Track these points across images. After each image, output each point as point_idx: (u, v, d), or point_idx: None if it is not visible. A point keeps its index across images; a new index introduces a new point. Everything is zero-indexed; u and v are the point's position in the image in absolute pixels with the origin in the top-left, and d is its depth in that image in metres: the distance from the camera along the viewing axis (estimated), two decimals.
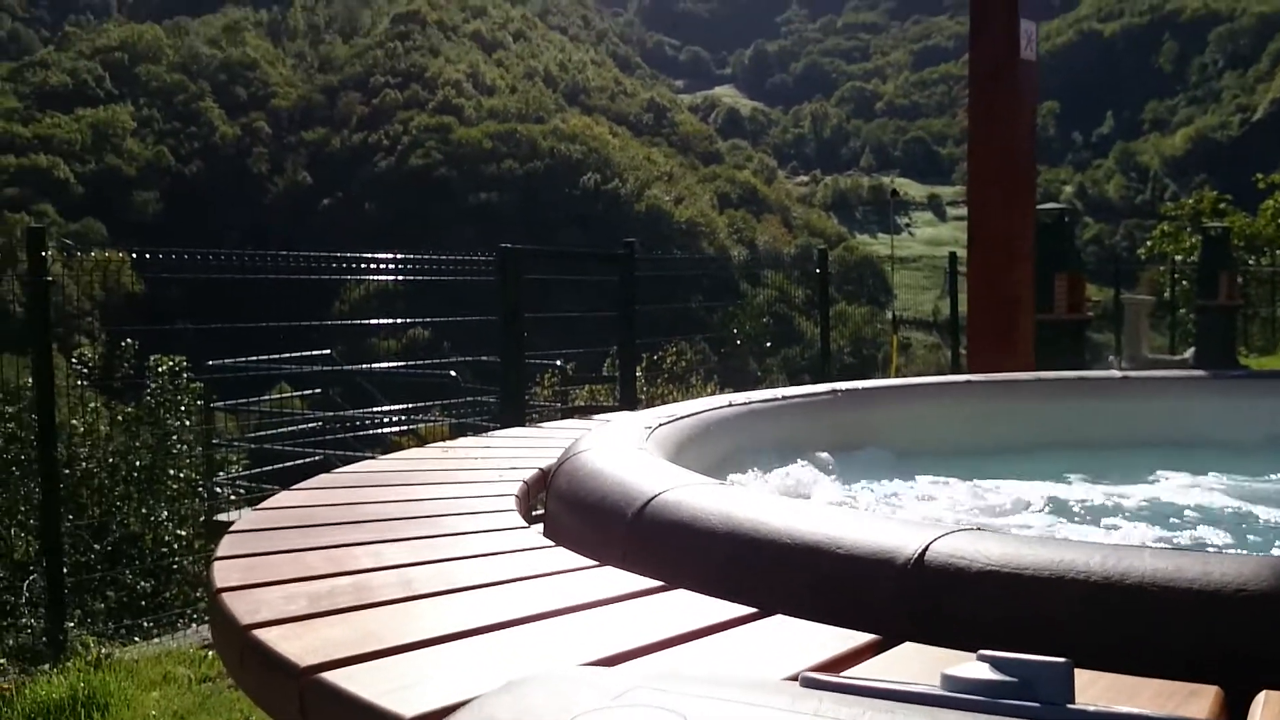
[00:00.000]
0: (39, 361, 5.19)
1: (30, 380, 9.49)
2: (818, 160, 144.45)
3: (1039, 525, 2.43)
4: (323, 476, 2.23)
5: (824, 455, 2.72)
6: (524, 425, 7.99)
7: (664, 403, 13.26)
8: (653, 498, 1.59)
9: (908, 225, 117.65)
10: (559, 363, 11.30)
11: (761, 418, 2.78)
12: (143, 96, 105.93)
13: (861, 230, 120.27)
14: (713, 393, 13.77)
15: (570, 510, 1.82)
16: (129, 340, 9.98)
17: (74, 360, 9.50)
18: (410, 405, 10.22)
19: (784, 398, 2.94)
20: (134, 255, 8.36)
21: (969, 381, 3.35)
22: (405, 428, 10.40)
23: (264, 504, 1.94)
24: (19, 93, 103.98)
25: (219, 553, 1.54)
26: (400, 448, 10.95)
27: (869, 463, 2.78)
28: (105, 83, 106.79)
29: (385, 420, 9.69)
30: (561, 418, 11.10)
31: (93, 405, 9.40)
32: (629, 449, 1.96)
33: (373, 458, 8.70)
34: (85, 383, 9.45)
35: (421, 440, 11.23)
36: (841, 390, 3.07)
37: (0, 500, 8.04)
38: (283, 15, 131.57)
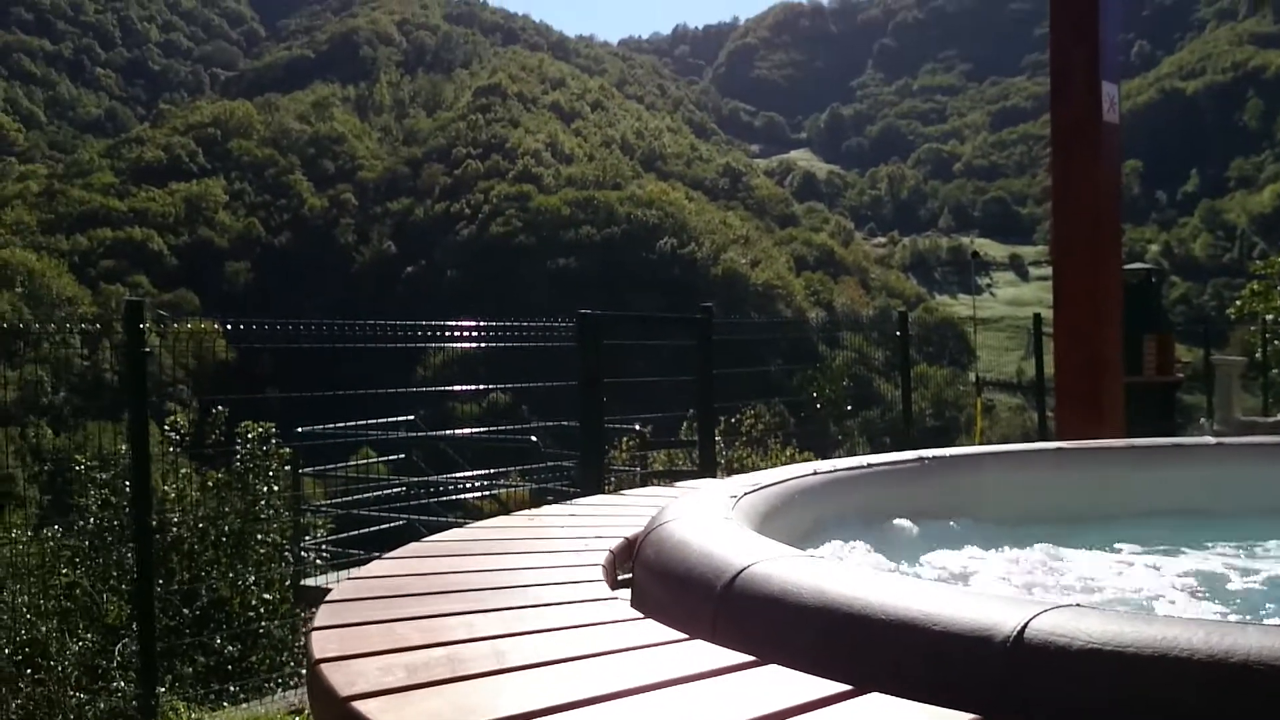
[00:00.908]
0: (135, 430, 5.33)
1: (124, 447, 9.76)
2: (895, 221, 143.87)
3: (1136, 599, 2.36)
4: (413, 545, 2.26)
5: (912, 525, 2.68)
6: (604, 490, 7.99)
7: (742, 467, 13.20)
8: (741, 570, 1.58)
9: (989, 285, 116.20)
10: (637, 427, 11.31)
11: (848, 486, 2.76)
12: (234, 170, 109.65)
13: (941, 291, 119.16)
14: (791, 456, 13.65)
15: (658, 581, 1.82)
16: (219, 407, 10.20)
17: (166, 427, 9.73)
18: (491, 470, 10.29)
19: (870, 465, 2.91)
20: (226, 325, 8.57)
21: (1059, 449, 3.29)
22: (487, 493, 10.46)
23: (357, 573, 1.97)
24: (116, 168, 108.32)
25: (316, 623, 1.56)
26: (482, 512, 11.02)
27: (959, 532, 2.72)
28: (198, 158, 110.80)
29: (467, 485, 9.77)
30: (641, 482, 11.10)
31: (184, 471, 9.61)
32: (715, 519, 1.96)
33: (458, 524, 8.74)
34: (177, 449, 9.67)
35: (502, 504, 11.29)
36: (929, 457, 3.03)
37: (93, 565, 8.21)
38: (369, 91, 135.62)
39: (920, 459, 3.00)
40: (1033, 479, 3.16)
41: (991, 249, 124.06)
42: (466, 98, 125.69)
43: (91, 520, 8.45)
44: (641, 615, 1.59)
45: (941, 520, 2.79)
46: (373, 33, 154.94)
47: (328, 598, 1.73)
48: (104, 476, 8.95)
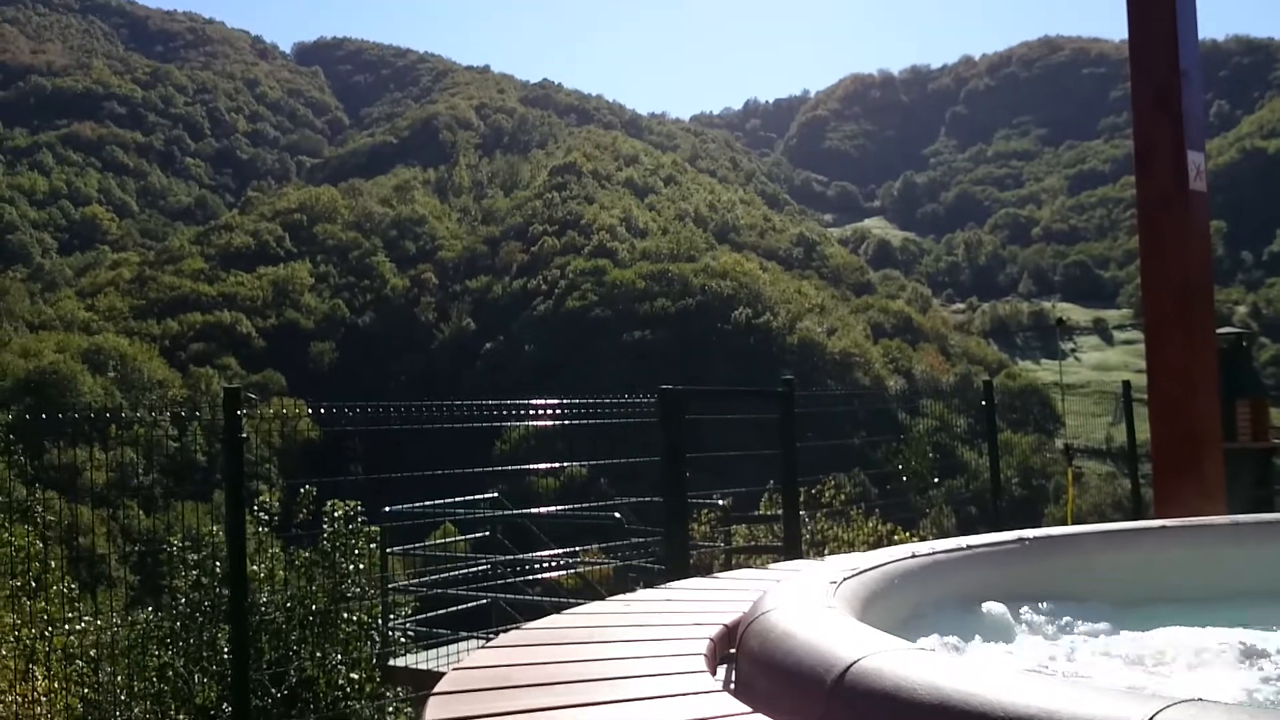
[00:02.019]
0: (232, 514, 5.45)
1: (215, 528, 9.95)
2: (973, 287, 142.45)
3: (1248, 687, 2.27)
4: (514, 633, 2.27)
5: (1018, 609, 2.62)
6: (688, 566, 7.94)
7: (825, 540, 13.02)
8: (851, 664, 1.56)
9: (1073, 350, 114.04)
10: (720, 502, 11.23)
11: (947, 569, 2.71)
12: (320, 254, 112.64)
13: (1023, 356, 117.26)
14: (875, 528, 13.44)
15: (763, 673, 1.80)
16: (307, 486, 10.33)
17: (255, 507, 9.89)
18: (576, 548, 10.28)
19: (969, 547, 2.86)
20: (311, 411, 8.73)
21: (1163, 527, 3.20)
22: (570, 570, 10.44)
23: (462, 664, 1.98)
24: (205, 254, 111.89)
25: (428, 716, 1.58)
26: (566, 589, 10.99)
27: (1064, 615, 2.65)
28: (285, 242, 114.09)
29: (551, 563, 9.76)
30: (726, 558, 11.00)
31: (272, 550, 9.74)
32: (817, 607, 1.94)
33: (541, 602, 8.70)
34: (266, 529, 9.80)
35: (587, 582, 11.25)
36: (1029, 538, 2.97)
37: (185, 646, 8.30)
38: (449, 173, 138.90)
39: (1020, 539, 2.95)
40: (1138, 559, 3.07)
41: (1074, 313, 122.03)
42: (542, 177, 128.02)
43: (183, 601, 8.56)
44: (749, 709, 1.57)
45: (1046, 602, 2.72)
46: (452, 117, 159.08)
47: (436, 688, 1.75)
48: (195, 558, 9.08)
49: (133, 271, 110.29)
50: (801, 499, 11.84)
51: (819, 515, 13.08)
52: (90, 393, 76.84)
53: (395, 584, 9.65)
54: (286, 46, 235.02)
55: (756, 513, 13.58)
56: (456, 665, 1.96)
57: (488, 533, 10.83)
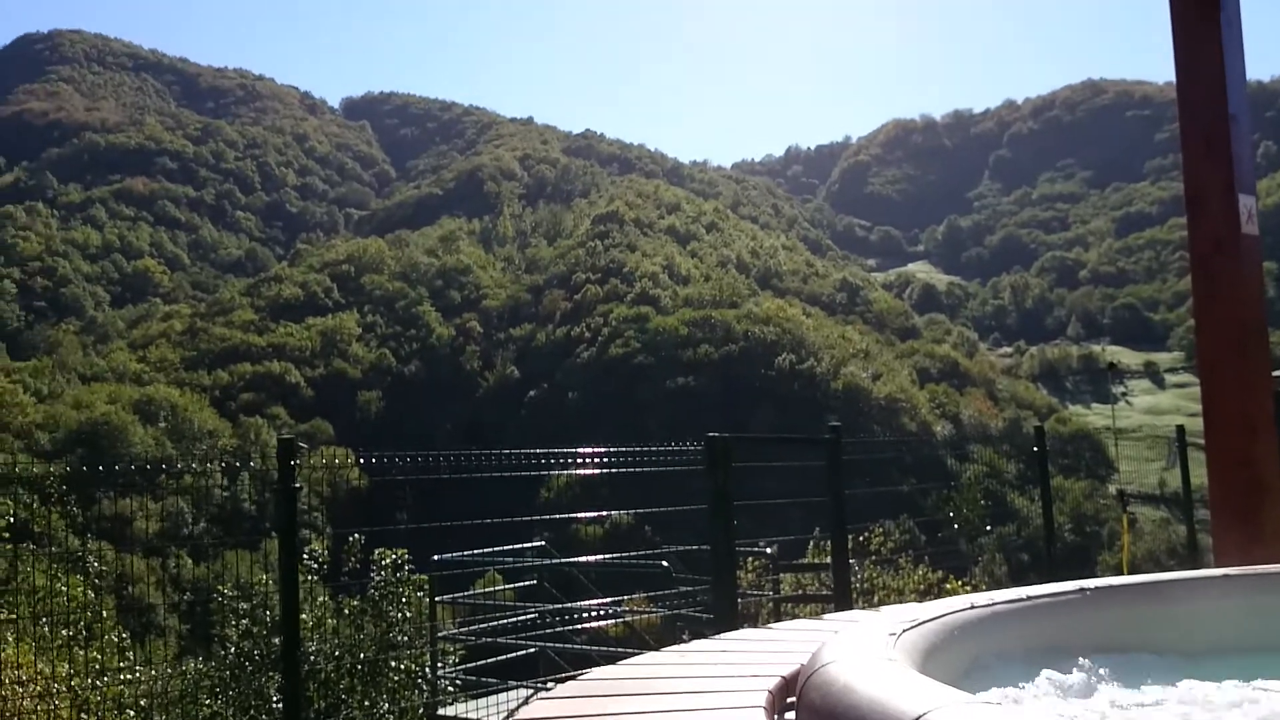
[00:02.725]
0: (285, 563, 5.49)
1: (264, 577, 10.02)
2: (1021, 331, 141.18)
3: None
4: (571, 684, 2.26)
5: (1079, 661, 2.58)
6: (736, 615, 7.88)
7: (873, 588, 12.87)
8: (917, 719, 1.55)
9: (1124, 394, 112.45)
10: (768, 550, 11.16)
11: (1007, 620, 2.67)
12: (367, 304, 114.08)
13: (1073, 400, 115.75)
14: (924, 575, 13.28)
15: None
16: (356, 535, 10.38)
17: (304, 556, 9.94)
18: (622, 597, 10.24)
19: (1029, 597, 2.82)
20: (361, 460, 8.80)
21: (1226, 576, 3.14)
22: (619, 619, 10.39)
23: (521, 715, 1.98)
24: (255, 306, 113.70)
25: None
26: (613, 638, 10.93)
27: (1127, 669, 2.60)
28: (333, 293, 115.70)
29: (599, 612, 9.72)
30: (774, 606, 10.90)
31: (321, 599, 9.78)
32: (878, 660, 1.92)
33: (588, 651, 8.64)
34: (315, 577, 9.83)
35: (634, 631, 11.19)
36: (1090, 588, 2.92)
37: (234, 695, 8.33)
38: (493, 223, 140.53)
39: (1081, 590, 2.90)
40: (1203, 609, 3.01)
41: (1124, 356, 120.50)
42: (585, 225, 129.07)
43: (233, 650, 8.60)
44: None
45: (1108, 654, 2.67)
46: (496, 169, 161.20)
47: None
48: (245, 607, 9.12)
49: (184, 323, 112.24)
50: (850, 546, 11.73)
51: (867, 563, 12.95)
52: (141, 443, 77.99)
53: (444, 633, 9.65)
54: (335, 101, 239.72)
55: (803, 560, 13.47)
56: (515, 716, 1.96)
57: (534, 581, 10.81)
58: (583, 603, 9.53)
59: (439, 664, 9.52)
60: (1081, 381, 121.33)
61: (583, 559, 10.95)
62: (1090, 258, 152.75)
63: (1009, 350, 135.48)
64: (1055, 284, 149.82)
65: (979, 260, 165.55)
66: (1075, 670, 2.49)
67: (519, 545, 10.89)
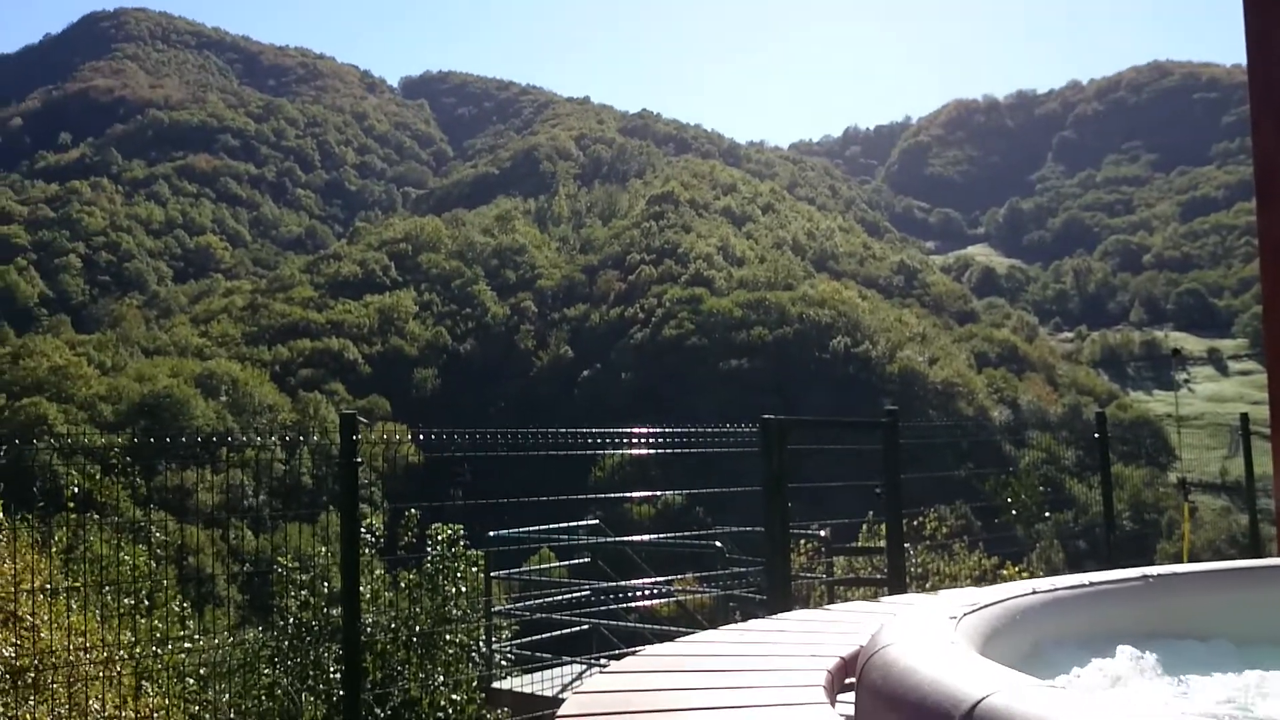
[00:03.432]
0: (347, 536, 5.58)
1: (322, 549, 10.17)
2: (1082, 316, 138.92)
3: None
4: (630, 660, 2.29)
5: (1141, 647, 2.55)
6: (790, 597, 7.87)
7: (927, 573, 12.79)
8: (979, 701, 1.54)
9: (1187, 381, 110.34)
10: (822, 533, 11.13)
11: (1069, 606, 2.65)
12: (424, 282, 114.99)
13: (1135, 387, 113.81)
14: (979, 561, 13.17)
15: (886, 708, 1.79)
16: (412, 510, 10.49)
17: (362, 529, 10.06)
18: (675, 576, 10.28)
19: (1091, 584, 2.80)
20: (419, 436, 8.89)
21: None
22: (671, 598, 10.44)
23: (583, 688, 2.01)
24: (314, 283, 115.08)
25: None
26: (664, 617, 10.98)
27: (1190, 656, 2.57)
28: (391, 271, 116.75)
29: (652, 591, 9.77)
30: (827, 589, 10.89)
31: (378, 572, 9.91)
32: (940, 642, 1.92)
33: (641, 629, 8.69)
34: (372, 550, 9.96)
35: (684, 610, 11.24)
36: (1153, 575, 2.89)
37: (292, 665, 8.46)
38: (549, 203, 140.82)
39: (1144, 577, 2.87)
40: (1266, 597, 2.97)
41: (1188, 343, 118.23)
42: (640, 206, 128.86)
43: (292, 621, 8.71)
44: None
45: (1170, 641, 2.65)
46: (552, 148, 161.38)
47: (559, 713, 1.77)
48: (304, 578, 9.25)
49: (245, 299, 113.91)
50: (904, 530, 11.65)
51: (921, 548, 12.87)
52: (203, 416, 79.40)
53: (498, 608, 9.75)
54: (394, 80, 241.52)
55: (856, 544, 13.42)
56: (577, 690, 1.99)
57: (587, 559, 10.89)
58: (635, 581, 9.58)
59: (493, 638, 9.61)
60: (1143, 368, 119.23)
61: (636, 538, 11.00)
62: (1154, 242, 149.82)
63: (1070, 335, 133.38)
64: (1118, 268, 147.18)
65: (1041, 243, 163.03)
66: (1135, 655, 2.47)
67: (572, 524, 10.96)
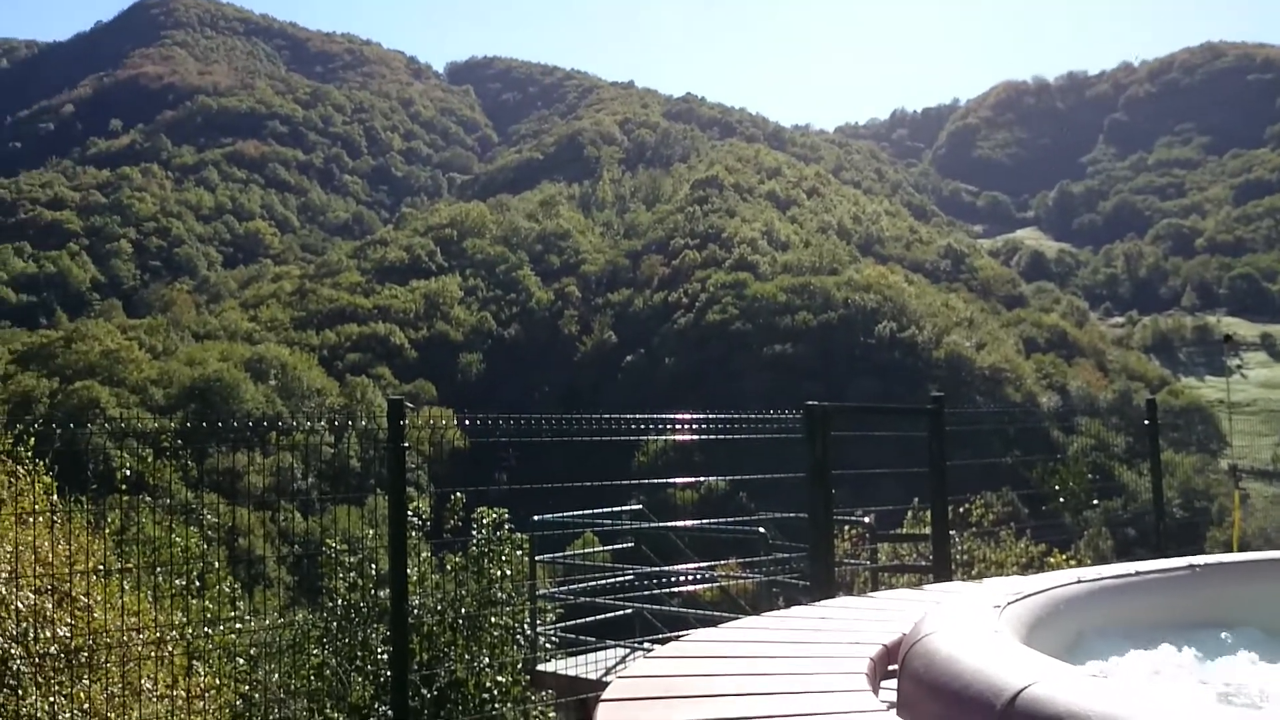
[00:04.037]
0: (395, 520, 5.64)
1: (370, 531, 10.29)
2: (1133, 300, 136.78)
3: None
4: (675, 645, 2.31)
5: (1188, 638, 2.53)
6: (833, 583, 7.86)
7: (973, 560, 12.71)
8: (1021, 690, 1.55)
9: (1239, 367, 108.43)
10: (866, 519, 11.09)
11: (1114, 595, 2.63)
12: (469, 268, 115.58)
13: (1187, 373, 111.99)
14: (1026, 549, 13.07)
15: (929, 695, 1.80)
16: (458, 494, 10.57)
17: (410, 513, 10.14)
18: (719, 562, 10.29)
19: (1137, 573, 2.78)
20: (466, 421, 8.95)
21: None
22: (714, 584, 10.45)
23: (627, 672, 2.03)
24: (361, 268, 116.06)
25: None
26: (706, 602, 11.01)
27: (1236, 646, 2.55)
28: (436, 257, 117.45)
29: (695, 576, 9.80)
30: (871, 577, 10.85)
31: (424, 555, 10.01)
32: (983, 631, 1.92)
33: (683, 613, 8.72)
34: (418, 534, 10.05)
35: (726, 595, 11.25)
36: (1199, 565, 2.87)
37: (340, 645, 8.57)
38: (593, 188, 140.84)
39: (1191, 567, 2.85)
40: None
41: (1241, 328, 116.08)
42: (684, 190, 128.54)
43: (340, 602, 8.82)
44: None
45: (1217, 631, 2.62)
46: (596, 133, 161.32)
47: (605, 696, 1.80)
48: (352, 560, 9.35)
49: (293, 284, 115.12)
50: (949, 517, 11.57)
51: (967, 534, 12.79)
52: (252, 400, 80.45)
53: (544, 591, 9.82)
54: (440, 66, 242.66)
55: (901, 530, 13.36)
56: (622, 674, 2.01)
57: (632, 543, 10.93)
58: (678, 566, 9.60)
59: (537, 622, 9.69)
60: (1195, 353, 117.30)
61: (680, 524, 11.02)
62: (1207, 226, 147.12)
63: (1120, 320, 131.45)
64: (1170, 252, 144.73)
65: (1091, 227, 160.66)
66: (1181, 646, 2.45)
67: (616, 509, 11.00)
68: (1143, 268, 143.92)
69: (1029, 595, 2.34)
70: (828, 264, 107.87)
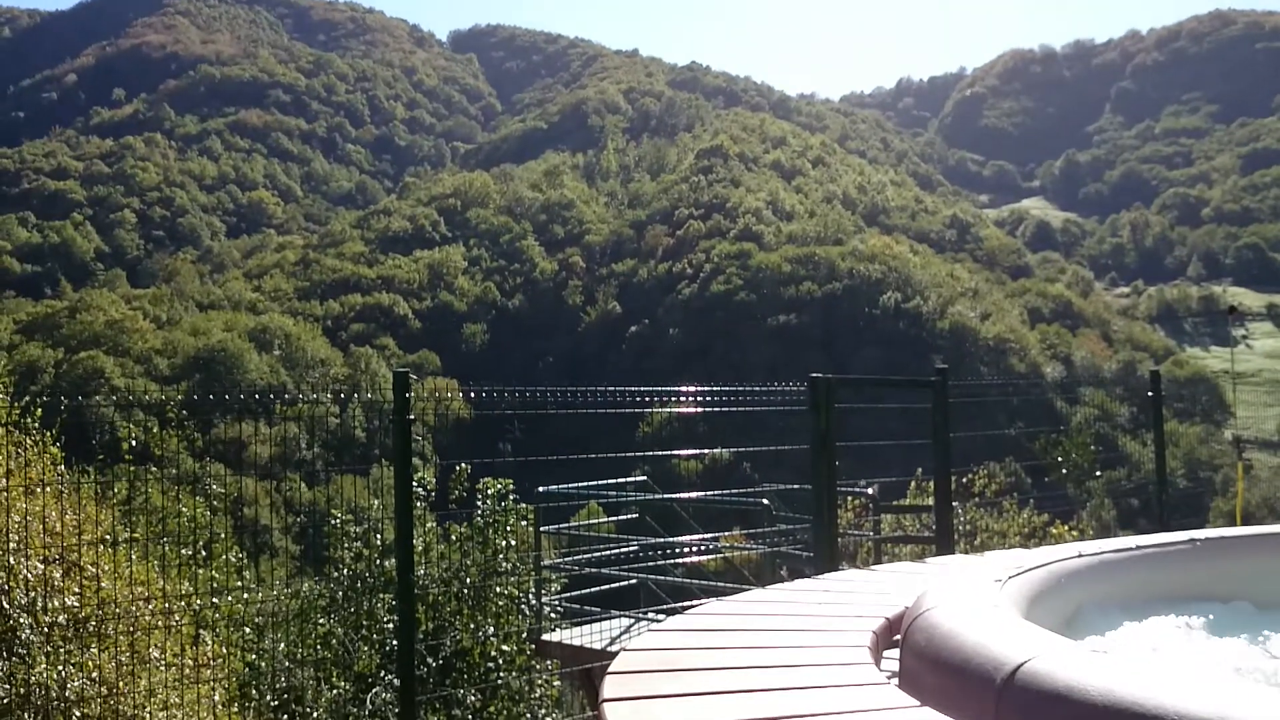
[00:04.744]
0: (400, 491, 5.67)
1: (375, 502, 10.33)
2: (1139, 270, 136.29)
3: None
4: (679, 618, 2.33)
5: (1188, 612, 2.55)
6: (837, 554, 7.90)
7: (975, 530, 12.75)
8: (1021, 665, 1.57)
9: (1244, 337, 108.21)
10: (870, 490, 11.12)
11: (1115, 569, 2.65)
12: (472, 238, 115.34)
13: (1192, 343, 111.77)
14: (1029, 519, 13.11)
15: (930, 669, 1.82)
16: (463, 465, 10.60)
17: (414, 483, 10.17)
18: (723, 533, 10.34)
19: (1138, 547, 2.80)
20: (471, 393, 8.97)
21: None
22: (718, 554, 10.50)
23: (634, 645, 2.05)
24: (365, 238, 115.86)
25: (606, 694, 1.65)
26: (710, 572, 11.06)
27: (1237, 619, 2.57)
28: (440, 227, 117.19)
29: (699, 547, 9.84)
30: (874, 547, 10.91)
31: (430, 525, 10.06)
32: (984, 605, 1.94)
33: (688, 584, 8.77)
34: (423, 504, 10.08)
35: (730, 566, 11.31)
36: (1200, 539, 2.88)
37: (346, 615, 8.63)
38: (597, 158, 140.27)
39: (1191, 540, 2.86)
40: None
41: (1246, 298, 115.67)
42: (689, 160, 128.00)
43: (345, 571, 8.87)
44: (917, 703, 1.59)
45: (1218, 604, 2.64)
46: (601, 102, 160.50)
47: (611, 668, 1.82)
48: (357, 530, 9.40)
49: (297, 254, 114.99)
50: (952, 488, 11.59)
51: (970, 505, 12.82)
52: (256, 370, 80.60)
53: (548, 562, 9.87)
54: (443, 34, 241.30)
55: (904, 501, 13.40)
56: (628, 647, 2.04)
57: (636, 514, 10.98)
58: (683, 537, 9.65)
59: (542, 592, 9.74)
60: (1201, 323, 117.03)
61: (684, 495, 11.06)
62: (1214, 195, 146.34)
63: (1126, 290, 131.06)
64: (1176, 222, 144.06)
65: (1097, 197, 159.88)
66: (1181, 620, 2.47)
67: (620, 480, 11.04)
68: (1149, 237, 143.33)
69: (1030, 569, 2.35)
70: (832, 234, 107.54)
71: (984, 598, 1.99)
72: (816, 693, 1.68)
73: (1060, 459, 12.84)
